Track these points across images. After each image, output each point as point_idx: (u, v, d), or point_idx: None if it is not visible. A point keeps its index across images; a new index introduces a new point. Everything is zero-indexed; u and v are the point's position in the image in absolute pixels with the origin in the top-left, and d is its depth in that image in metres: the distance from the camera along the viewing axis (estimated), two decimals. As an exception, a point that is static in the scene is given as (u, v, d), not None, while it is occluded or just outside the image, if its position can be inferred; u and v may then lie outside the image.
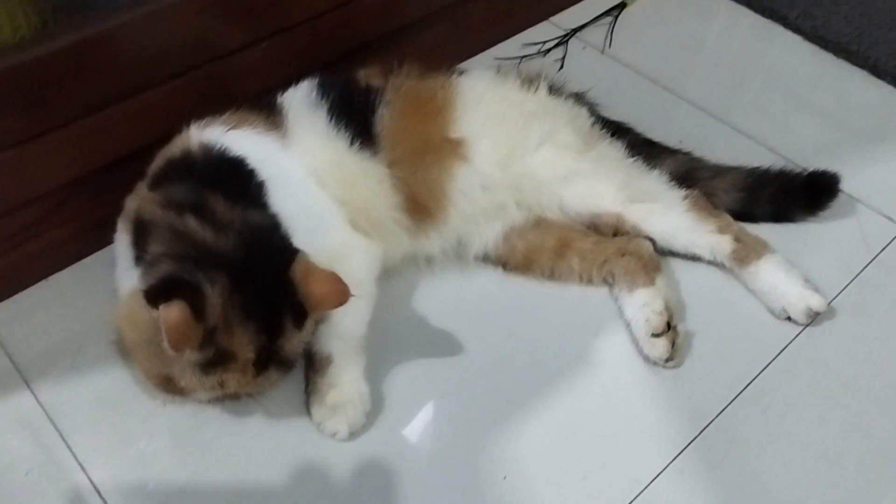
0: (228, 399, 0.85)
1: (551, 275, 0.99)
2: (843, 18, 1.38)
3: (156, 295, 0.72)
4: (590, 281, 0.98)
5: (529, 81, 1.04)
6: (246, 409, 0.87)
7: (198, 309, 0.72)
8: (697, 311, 0.98)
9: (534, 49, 1.32)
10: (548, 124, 0.99)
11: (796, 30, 1.38)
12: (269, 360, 0.78)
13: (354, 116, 0.92)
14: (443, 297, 0.98)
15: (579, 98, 1.10)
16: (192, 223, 0.78)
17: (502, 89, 1.01)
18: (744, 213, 1.05)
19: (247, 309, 0.75)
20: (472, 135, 0.95)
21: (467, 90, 0.98)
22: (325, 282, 0.77)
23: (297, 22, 1.00)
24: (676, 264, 1.02)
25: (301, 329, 0.79)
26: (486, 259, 1.00)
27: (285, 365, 0.82)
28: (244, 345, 0.75)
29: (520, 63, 1.29)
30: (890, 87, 1.29)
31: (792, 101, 1.27)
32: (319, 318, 0.84)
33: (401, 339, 0.94)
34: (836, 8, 1.40)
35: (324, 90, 0.94)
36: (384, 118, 0.93)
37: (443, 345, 0.94)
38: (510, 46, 1.33)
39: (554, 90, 1.06)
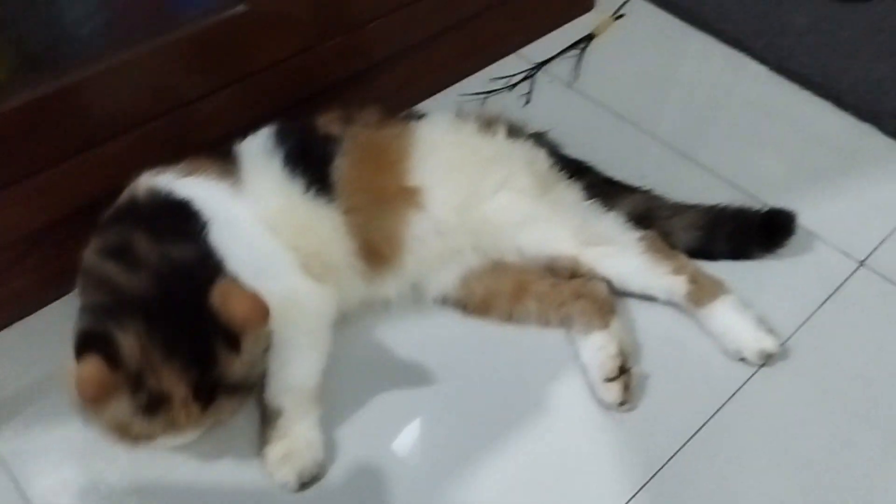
0: (202, 432, 0.84)
1: (510, 317, 1.00)
2: (808, 49, 1.39)
3: (76, 352, 0.74)
4: (547, 323, 0.99)
5: (488, 124, 1.06)
6: (208, 452, 0.89)
7: (112, 359, 0.73)
8: (653, 352, 0.99)
9: (501, 84, 1.33)
10: (505, 169, 1.01)
11: (762, 61, 1.40)
12: (214, 390, 0.78)
13: (310, 165, 0.94)
14: (401, 341, 1.00)
15: (539, 138, 1.11)
16: (111, 268, 0.80)
17: (460, 135, 1.02)
18: (702, 252, 1.06)
19: (168, 346, 0.76)
20: (428, 182, 0.97)
21: (424, 138, 0.99)
22: (243, 302, 0.78)
23: (258, 69, 1.02)
24: (633, 304, 1.03)
25: (239, 351, 0.79)
26: (444, 302, 1.02)
27: (239, 389, 0.82)
28: (174, 382, 0.76)
29: (486, 99, 1.30)
30: (853, 119, 1.30)
31: (756, 134, 1.29)
32: (262, 336, 0.82)
33: (357, 384, 0.95)
34: (801, 39, 1.42)
35: (280, 138, 0.96)
36: (340, 168, 0.94)
37: (400, 390, 0.96)
38: (477, 81, 1.34)
39: (513, 132, 1.08)
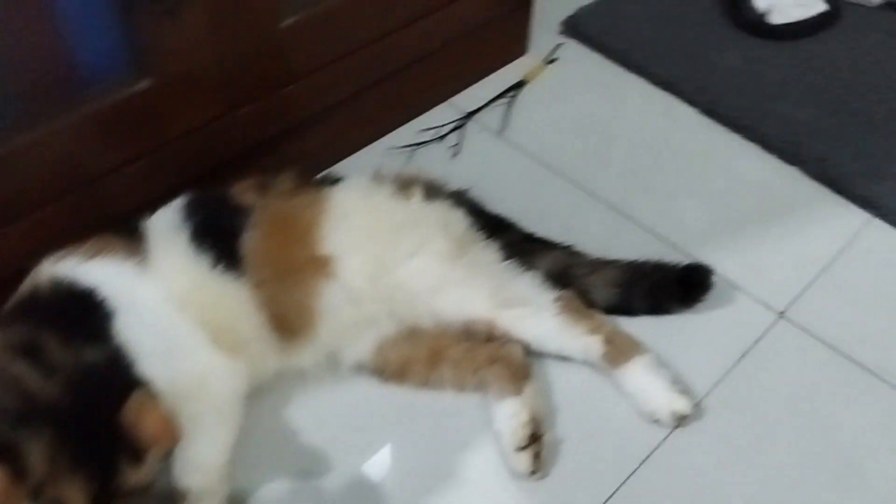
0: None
1: (426, 383, 1.00)
2: (736, 91, 1.40)
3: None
4: (464, 388, 0.99)
5: (405, 186, 1.06)
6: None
7: (17, 471, 0.72)
8: (570, 414, 1.00)
9: (430, 135, 1.34)
10: (419, 234, 1.01)
11: (693, 104, 1.40)
12: (110, 499, 0.77)
13: (219, 239, 0.93)
14: (317, 410, 0.99)
15: (459, 197, 1.11)
16: (21, 369, 0.78)
17: (373, 200, 1.02)
18: (621, 308, 1.07)
19: (75, 459, 0.75)
20: (340, 251, 0.97)
21: (336, 205, 0.99)
22: (155, 423, 0.77)
23: (169, 139, 1.02)
24: (551, 364, 1.03)
25: (142, 463, 0.78)
26: (360, 369, 1.02)
27: (138, 493, 0.80)
28: (74, 494, 0.75)
29: (414, 151, 1.30)
30: (779, 162, 1.31)
31: (685, 180, 1.29)
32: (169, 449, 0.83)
33: (271, 456, 0.95)
34: (732, 80, 1.42)
35: (189, 211, 0.95)
36: (249, 241, 0.94)
37: (314, 460, 0.95)
38: (407, 132, 1.34)
39: (431, 192, 1.08)
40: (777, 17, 1.50)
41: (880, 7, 1.58)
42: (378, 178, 1.08)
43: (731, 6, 1.54)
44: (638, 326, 1.06)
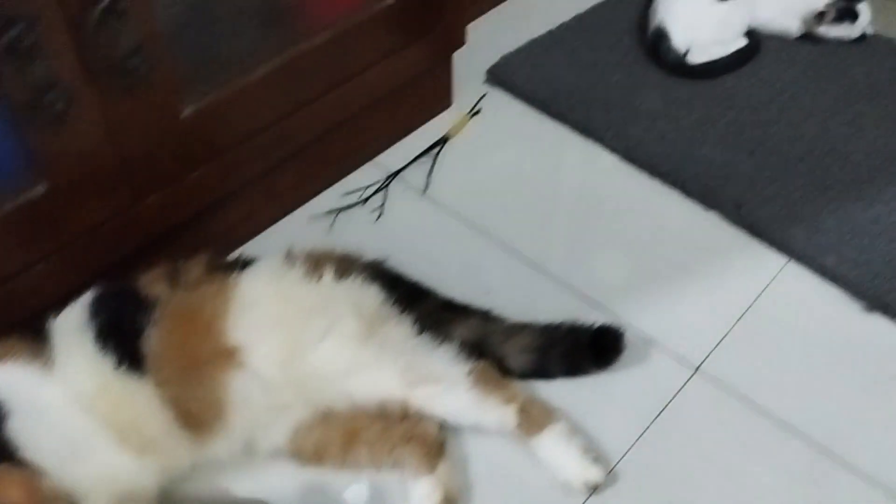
0: None
1: (344, 465, 1.00)
2: (656, 136, 1.42)
3: None
4: (380, 468, 1.00)
5: (316, 265, 1.06)
6: None
7: None
8: (487, 486, 1.00)
9: (354, 198, 1.34)
10: (329, 316, 1.01)
11: (614, 150, 1.42)
12: None
13: (122, 338, 0.94)
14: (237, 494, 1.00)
15: (374, 269, 1.12)
16: None
17: (282, 285, 1.02)
18: (538, 373, 1.08)
19: None
20: (248, 340, 0.97)
21: (243, 293, 0.99)
22: (14, 490, 0.79)
23: (72, 238, 1.02)
24: (469, 436, 1.04)
25: None
26: (277, 454, 1.02)
27: None
28: None
29: (337, 216, 1.31)
30: (698, 207, 1.33)
31: (605, 231, 1.31)
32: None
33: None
34: (651, 125, 1.44)
35: (95, 309, 0.95)
36: (151, 339, 0.94)
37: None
38: (331, 195, 1.35)
39: (344, 268, 1.08)
40: (697, 56, 1.52)
41: (799, 39, 1.60)
42: (289, 257, 1.08)
43: (652, 48, 1.56)
44: (556, 389, 1.08)
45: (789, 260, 1.24)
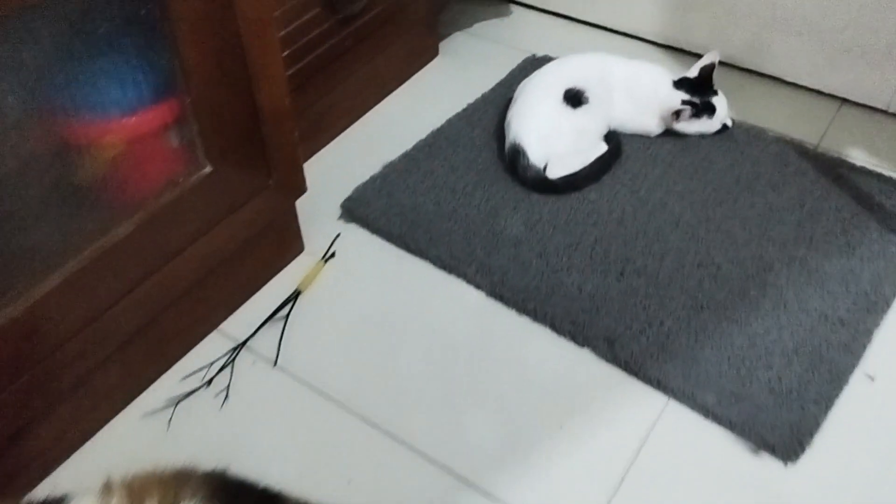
0: None
1: None
2: (520, 267, 1.33)
3: None
4: None
5: (138, 496, 0.93)
6: None
7: None
8: None
9: (195, 380, 1.20)
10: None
11: (478, 286, 1.33)
12: None
13: None
14: None
15: (214, 484, 0.99)
16: None
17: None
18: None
19: None
20: None
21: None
22: None
23: None
24: None
25: None
26: None
27: None
28: None
29: (176, 407, 1.17)
30: (570, 344, 1.23)
31: (473, 386, 1.20)
32: None
33: None
34: (514, 253, 1.35)
35: None
36: None
37: None
38: (168, 383, 1.20)
39: (176, 488, 0.95)
40: (557, 170, 1.45)
41: (661, 136, 1.56)
42: (107, 490, 0.94)
43: (510, 165, 1.48)
44: None
45: (670, 398, 1.16)
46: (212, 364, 1.22)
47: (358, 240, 1.42)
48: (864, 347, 1.19)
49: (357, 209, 1.45)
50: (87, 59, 1.00)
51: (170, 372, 1.22)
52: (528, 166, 1.44)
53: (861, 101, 1.63)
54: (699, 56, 1.57)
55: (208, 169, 1.14)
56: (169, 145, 1.12)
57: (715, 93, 1.53)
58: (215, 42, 1.07)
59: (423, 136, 1.58)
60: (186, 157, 1.13)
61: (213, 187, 1.16)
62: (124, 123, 1.06)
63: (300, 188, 1.31)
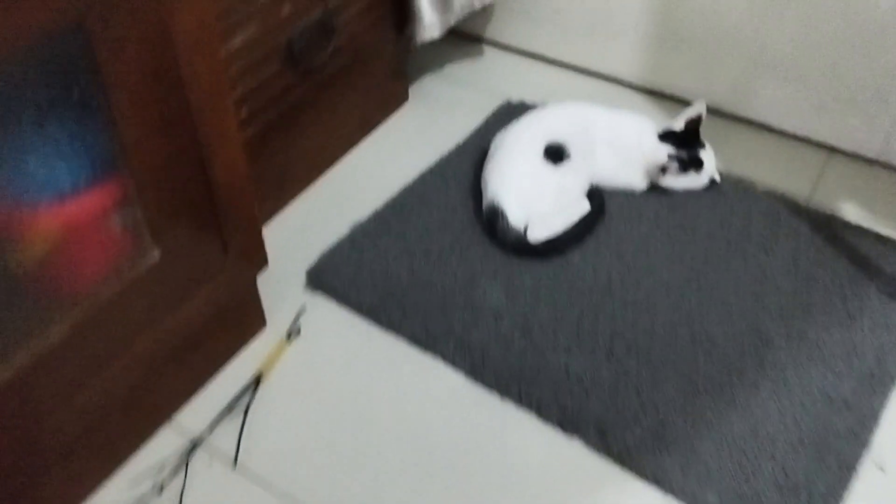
0: None
1: None
2: (502, 343, 1.22)
3: None
4: None
5: None
6: None
7: None
8: None
9: (145, 486, 1.08)
10: None
11: (456, 366, 1.21)
12: None
13: None
14: None
15: None
16: None
17: None
18: None
19: None
20: None
21: None
22: None
23: None
24: None
25: None
26: None
27: None
28: None
29: (124, 520, 1.06)
30: (557, 433, 1.13)
31: (450, 484, 1.09)
32: None
33: None
34: (494, 327, 1.24)
35: None
36: None
37: None
38: (115, 490, 1.08)
39: None
40: (538, 232, 1.35)
41: (647, 193, 1.47)
42: None
43: (489, 227, 1.38)
44: None
45: (665, 494, 1.07)
46: (163, 466, 1.11)
47: (325, 313, 1.30)
48: (871, 432, 1.11)
49: (323, 277, 1.33)
50: (11, 141, 0.88)
51: (119, 473, 1.10)
52: (508, 229, 1.35)
53: (851, 150, 1.56)
54: (681, 101, 1.49)
55: (156, 254, 1.02)
56: (110, 231, 1.00)
57: (702, 146, 1.45)
58: (160, 113, 0.96)
59: (393, 192, 1.48)
60: (131, 242, 1.01)
61: (162, 274, 1.04)
62: (56, 210, 0.94)
63: (261, 263, 1.20)
